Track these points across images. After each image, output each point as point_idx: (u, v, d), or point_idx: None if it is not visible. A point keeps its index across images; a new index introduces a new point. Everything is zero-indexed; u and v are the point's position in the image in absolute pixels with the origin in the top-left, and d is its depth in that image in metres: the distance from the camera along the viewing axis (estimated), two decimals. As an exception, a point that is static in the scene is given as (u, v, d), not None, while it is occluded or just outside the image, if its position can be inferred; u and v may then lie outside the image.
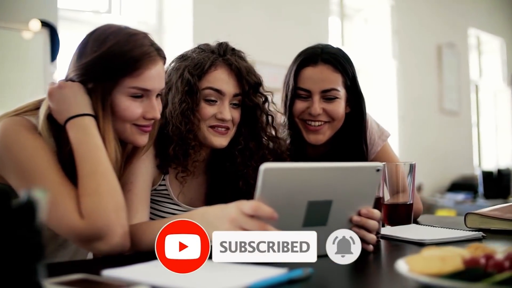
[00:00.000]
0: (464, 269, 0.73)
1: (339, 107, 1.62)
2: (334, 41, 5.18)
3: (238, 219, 0.96)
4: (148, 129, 1.28)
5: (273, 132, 1.52)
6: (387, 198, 1.50)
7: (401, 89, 5.67)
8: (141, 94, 1.23)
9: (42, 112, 1.19)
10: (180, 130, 1.35)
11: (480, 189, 5.59)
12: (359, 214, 1.09)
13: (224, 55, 1.43)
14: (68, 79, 1.22)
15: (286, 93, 1.67)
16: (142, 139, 1.28)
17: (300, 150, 1.68)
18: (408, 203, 1.49)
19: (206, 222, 1.02)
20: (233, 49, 1.47)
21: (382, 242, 1.27)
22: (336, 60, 1.62)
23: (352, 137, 1.68)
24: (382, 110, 5.69)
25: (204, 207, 1.09)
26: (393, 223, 1.47)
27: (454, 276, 0.71)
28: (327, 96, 1.61)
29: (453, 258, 0.77)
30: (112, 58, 1.19)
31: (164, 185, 1.44)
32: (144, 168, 1.35)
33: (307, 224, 1.03)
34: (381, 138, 1.78)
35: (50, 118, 1.19)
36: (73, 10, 4.02)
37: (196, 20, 4.18)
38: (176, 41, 4.24)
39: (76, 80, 1.21)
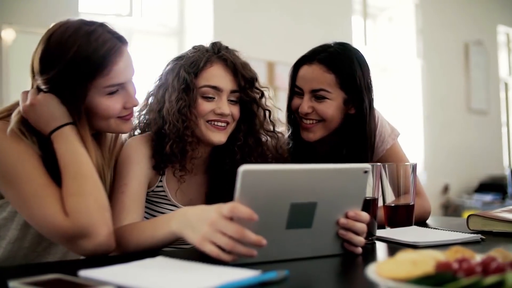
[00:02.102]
0: (434, 273, 0.71)
1: (328, 108, 1.58)
2: (356, 41, 5.12)
3: (217, 222, 0.95)
4: (131, 116, 1.30)
5: (271, 127, 1.52)
6: (390, 199, 1.47)
7: (427, 88, 5.58)
8: (117, 89, 1.24)
9: (14, 120, 1.19)
10: (177, 127, 1.36)
11: (509, 189, 5.44)
12: (347, 217, 1.07)
13: (218, 52, 1.43)
14: (39, 89, 1.21)
15: (288, 89, 1.68)
16: (128, 127, 1.31)
17: (307, 147, 1.67)
18: (409, 204, 1.45)
19: (186, 223, 1.02)
20: (227, 47, 1.47)
21: (377, 244, 1.25)
22: (332, 60, 1.58)
23: (355, 138, 1.64)
24: (407, 110, 5.61)
25: (186, 207, 1.09)
26: (393, 225, 1.44)
27: (420, 280, 0.69)
28: (316, 95, 1.58)
29: (425, 262, 0.75)
30: (79, 65, 1.17)
31: (162, 186, 1.44)
32: (139, 169, 1.35)
33: (291, 226, 1.02)
34: (391, 136, 1.75)
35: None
36: (95, 13, 4.08)
37: (216, 22, 4.19)
38: (197, 42, 4.25)
39: (47, 91, 1.20)
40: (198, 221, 0.99)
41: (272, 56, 4.38)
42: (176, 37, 4.45)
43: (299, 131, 1.66)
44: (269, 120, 1.52)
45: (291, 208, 1.00)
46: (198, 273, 0.88)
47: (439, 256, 0.79)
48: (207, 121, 1.41)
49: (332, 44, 1.65)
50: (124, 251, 1.16)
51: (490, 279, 0.66)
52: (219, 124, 1.41)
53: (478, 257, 0.78)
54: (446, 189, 5.57)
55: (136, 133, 1.50)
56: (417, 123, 5.55)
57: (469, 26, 6.06)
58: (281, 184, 0.97)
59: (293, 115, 1.66)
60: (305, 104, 1.58)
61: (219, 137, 1.41)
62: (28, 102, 1.20)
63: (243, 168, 0.93)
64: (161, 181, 1.43)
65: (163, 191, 1.44)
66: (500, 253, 0.81)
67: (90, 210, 1.09)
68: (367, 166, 1.05)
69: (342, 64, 1.58)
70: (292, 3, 4.61)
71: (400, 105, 5.68)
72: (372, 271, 0.76)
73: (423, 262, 0.75)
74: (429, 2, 5.66)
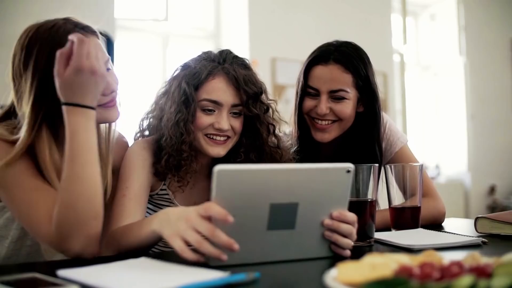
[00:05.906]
0: (388, 278, 0.68)
1: (347, 108, 1.58)
2: (396, 40, 5.02)
3: (192, 219, 0.95)
4: (113, 102, 1.27)
5: (275, 142, 1.48)
6: (396, 201, 1.43)
7: (470, 87, 5.40)
8: None
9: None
10: (173, 141, 1.35)
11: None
12: (332, 218, 1.05)
13: (223, 63, 1.39)
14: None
15: (297, 90, 1.66)
16: (113, 114, 1.28)
17: (312, 148, 1.66)
18: (415, 206, 1.41)
19: (166, 221, 1.02)
20: (235, 57, 1.43)
21: (375, 247, 1.21)
22: (348, 60, 1.57)
23: (364, 136, 1.63)
24: (450, 110, 5.45)
25: (170, 208, 1.09)
26: (398, 227, 1.40)
27: (372, 285, 0.67)
28: (335, 96, 1.57)
29: (385, 266, 0.72)
30: (45, 60, 1.16)
31: (165, 189, 1.45)
32: (141, 174, 1.36)
33: (273, 228, 1.01)
34: (400, 140, 1.72)
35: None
36: (131, 19, 4.17)
37: (252, 24, 4.20)
38: (233, 45, 4.27)
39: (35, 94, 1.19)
40: (177, 219, 0.99)
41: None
42: (212, 40, 4.49)
43: (306, 133, 1.65)
44: (273, 135, 1.48)
45: (271, 209, 0.98)
46: (168, 273, 0.89)
47: (405, 260, 0.77)
48: (206, 135, 1.39)
49: (339, 43, 1.63)
50: (117, 252, 1.17)
51: (438, 285, 0.63)
52: (218, 138, 1.39)
53: (445, 262, 0.75)
54: (492, 190, 5.38)
55: (146, 133, 1.51)
56: (461, 123, 5.38)
57: (516, 21, 5.82)
58: (259, 184, 0.96)
59: (302, 116, 1.65)
60: (323, 105, 1.57)
61: (217, 150, 1.39)
62: (91, 64, 1.09)
63: (218, 168, 0.93)
64: (164, 184, 1.45)
65: (167, 194, 1.45)
66: (471, 258, 0.78)
67: (69, 223, 1.08)
68: (349, 165, 1.03)
69: (358, 64, 1.59)
70: (328, 4, 4.57)
71: (443, 105, 5.53)
72: (331, 275, 0.74)
73: (383, 266, 0.72)
74: (472, -3, 5.49)
